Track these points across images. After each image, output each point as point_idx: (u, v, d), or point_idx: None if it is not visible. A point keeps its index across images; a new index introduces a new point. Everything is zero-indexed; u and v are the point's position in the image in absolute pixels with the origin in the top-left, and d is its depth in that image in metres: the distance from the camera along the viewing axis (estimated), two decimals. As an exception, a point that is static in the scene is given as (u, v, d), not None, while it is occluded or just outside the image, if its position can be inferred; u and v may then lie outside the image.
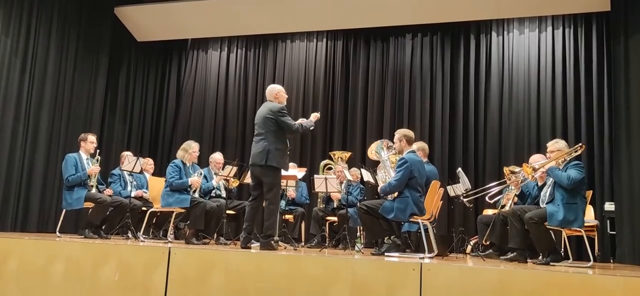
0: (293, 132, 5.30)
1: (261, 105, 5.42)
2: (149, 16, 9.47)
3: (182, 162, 6.35)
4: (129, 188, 6.84)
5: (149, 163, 7.58)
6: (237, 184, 7.02)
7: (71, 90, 8.46)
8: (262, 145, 5.11)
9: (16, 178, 7.47)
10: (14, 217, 7.44)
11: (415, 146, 5.68)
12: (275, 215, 5.23)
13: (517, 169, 5.63)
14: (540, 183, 5.27)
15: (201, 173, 6.52)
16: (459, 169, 6.84)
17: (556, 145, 5.16)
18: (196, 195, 6.31)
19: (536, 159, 5.70)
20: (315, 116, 5.50)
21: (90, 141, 6.40)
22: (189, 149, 6.47)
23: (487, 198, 6.23)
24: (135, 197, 6.71)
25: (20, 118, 7.53)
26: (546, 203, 4.95)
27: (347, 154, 7.88)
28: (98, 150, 6.49)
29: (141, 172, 6.89)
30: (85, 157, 6.32)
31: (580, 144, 5.11)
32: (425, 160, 6.02)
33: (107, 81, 9.27)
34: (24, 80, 7.60)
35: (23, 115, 7.58)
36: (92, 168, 6.24)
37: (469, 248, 6.83)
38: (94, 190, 6.20)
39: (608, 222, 7.09)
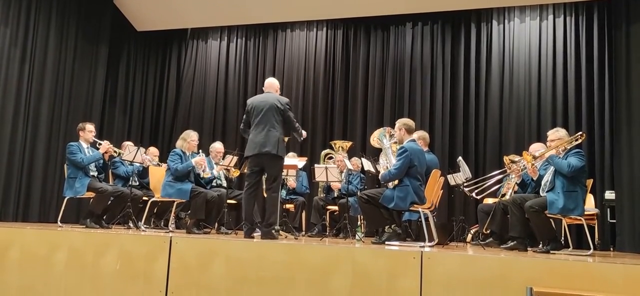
0: (294, 129, 5.44)
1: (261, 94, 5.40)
2: (149, 5, 9.43)
3: (182, 151, 6.35)
4: (132, 167, 6.80)
5: (154, 154, 7.50)
6: (238, 174, 7.02)
7: (71, 80, 8.44)
8: (273, 134, 5.10)
9: (17, 168, 7.48)
10: (16, 207, 7.46)
11: (416, 135, 5.68)
12: (277, 204, 5.25)
13: (517, 158, 5.63)
14: (534, 177, 5.26)
15: (202, 154, 6.53)
16: (460, 158, 6.84)
17: (556, 133, 5.16)
18: (207, 173, 6.40)
19: (536, 148, 5.70)
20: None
21: (88, 130, 6.40)
22: (188, 138, 6.46)
23: (473, 194, 6.21)
24: (141, 169, 6.74)
25: (20, 108, 7.53)
26: (546, 192, 4.96)
27: (348, 144, 7.88)
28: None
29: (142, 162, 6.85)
30: (86, 146, 6.32)
31: (580, 133, 5.10)
32: (425, 149, 6.02)
33: (107, 71, 9.25)
34: (23, 71, 7.59)
35: (23, 106, 7.58)
36: (104, 144, 6.28)
37: (469, 236, 6.85)
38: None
39: (608, 210, 7.10)
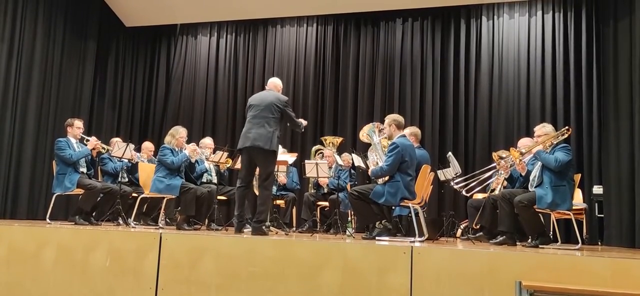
0: (296, 126, 5.52)
1: (257, 91, 5.44)
2: (138, 1, 9.36)
3: (171, 147, 6.33)
4: (120, 163, 6.74)
5: (149, 149, 7.43)
6: (230, 163, 6.98)
7: (59, 75, 8.37)
8: (267, 130, 5.13)
9: (5, 165, 7.41)
10: (3, 203, 7.38)
11: (407, 131, 5.69)
12: (269, 200, 5.30)
13: (505, 154, 5.66)
14: (523, 173, 5.30)
15: (193, 144, 6.51)
16: (449, 153, 6.88)
17: (543, 129, 5.21)
18: (205, 163, 6.43)
19: (524, 143, 5.74)
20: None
21: (77, 126, 6.34)
22: (176, 134, 6.43)
23: (463, 191, 6.26)
24: (129, 162, 6.68)
25: (7, 104, 7.45)
26: (535, 187, 5.00)
27: (338, 139, 7.88)
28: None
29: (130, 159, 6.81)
30: (74, 141, 6.27)
31: (566, 127, 5.15)
32: (417, 145, 6.04)
33: (96, 66, 9.19)
34: (11, 66, 7.51)
35: (10, 102, 7.50)
36: (92, 141, 6.22)
37: (459, 231, 6.89)
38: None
39: (596, 205, 7.15)
